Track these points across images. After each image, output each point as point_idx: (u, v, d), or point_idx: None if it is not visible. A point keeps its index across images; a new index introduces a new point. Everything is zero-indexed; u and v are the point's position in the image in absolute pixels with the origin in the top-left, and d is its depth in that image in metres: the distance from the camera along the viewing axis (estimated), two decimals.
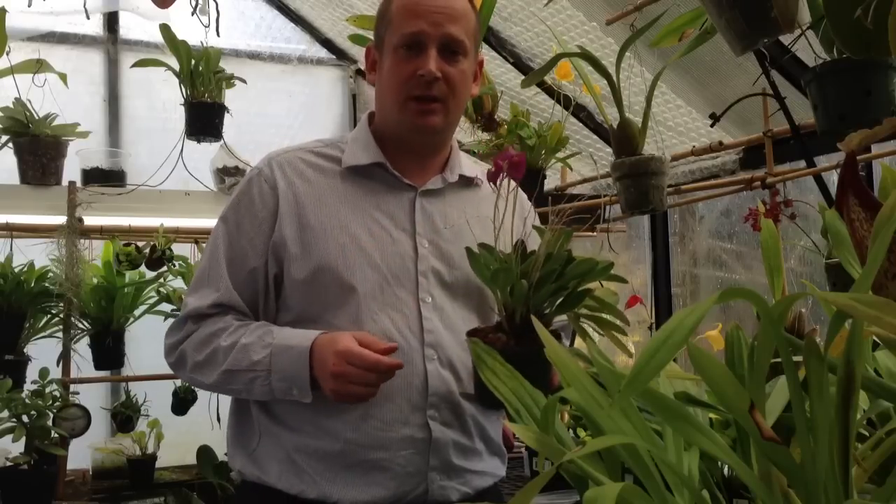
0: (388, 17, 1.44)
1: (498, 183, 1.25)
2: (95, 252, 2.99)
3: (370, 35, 2.65)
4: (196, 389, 3.11)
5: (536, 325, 0.94)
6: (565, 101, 2.71)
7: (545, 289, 1.20)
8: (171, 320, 3.02)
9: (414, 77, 1.39)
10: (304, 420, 1.40)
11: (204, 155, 3.16)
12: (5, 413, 2.55)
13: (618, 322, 1.31)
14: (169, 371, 3.22)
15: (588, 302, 1.27)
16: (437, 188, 1.50)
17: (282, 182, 1.45)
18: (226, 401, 3.03)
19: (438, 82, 1.40)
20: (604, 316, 1.29)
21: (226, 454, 3.06)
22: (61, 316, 2.89)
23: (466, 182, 1.53)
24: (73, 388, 2.83)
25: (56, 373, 2.81)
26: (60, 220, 2.87)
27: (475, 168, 1.57)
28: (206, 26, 2.76)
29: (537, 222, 1.61)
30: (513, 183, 1.59)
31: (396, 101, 1.43)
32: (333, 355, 1.29)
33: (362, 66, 4.20)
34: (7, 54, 2.83)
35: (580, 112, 3.12)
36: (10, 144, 2.93)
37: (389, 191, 1.47)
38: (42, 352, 2.89)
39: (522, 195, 1.60)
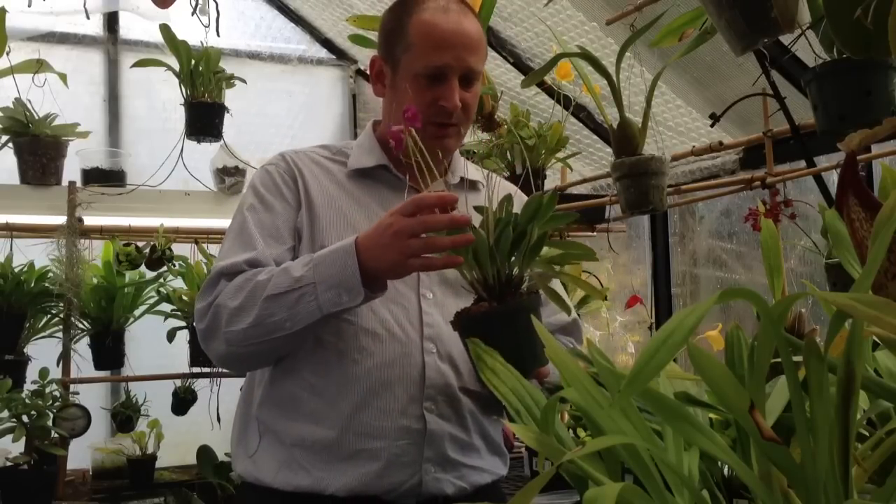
0: (407, 40, 1.44)
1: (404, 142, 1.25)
2: (95, 252, 3.00)
3: (370, 35, 2.66)
4: (196, 389, 3.11)
5: (536, 325, 0.94)
6: (565, 101, 2.71)
7: (503, 237, 1.20)
8: (171, 320, 3.06)
9: (434, 105, 1.42)
10: (304, 411, 1.41)
11: (204, 155, 3.16)
12: (5, 413, 2.55)
13: (584, 255, 1.30)
14: (169, 371, 3.20)
15: (553, 251, 1.27)
16: (439, 190, 1.51)
17: (297, 174, 1.49)
18: (226, 401, 3.06)
19: (457, 110, 1.43)
20: (570, 251, 1.29)
21: (226, 454, 3.08)
22: (61, 316, 2.89)
23: (467, 185, 1.56)
24: (73, 388, 2.83)
25: (56, 373, 2.81)
26: (60, 220, 2.87)
27: (476, 174, 1.62)
28: (206, 26, 2.77)
29: None
30: (503, 182, 1.62)
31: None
32: (388, 218, 1.25)
33: (362, 67, 4.20)
34: (7, 54, 2.83)
35: (580, 112, 3.12)
36: (10, 144, 2.94)
37: (393, 191, 1.51)
38: (42, 352, 2.89)
39: (505, 183, 1.63)
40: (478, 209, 1.29)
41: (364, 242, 1.28)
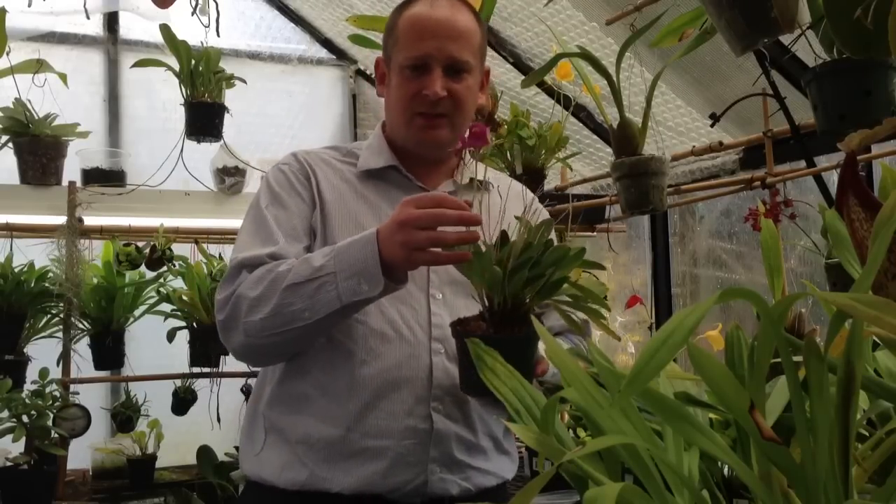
0: (395, 35, 1.47)
1: (462, 155, 1.26)
2: (95, 252, 2.99)
3: (370, 35, 2.66)
4: (196, 389, 3.11)
5: (537, 326, 0.94)
6: (565, 101, 2.71)
7: (519, 276, 1.19)
8: (171, 320, 3.06)
9: (419, 96, 1.43)
10: (312, 409, 1.41)
11: (204, 155, 3.16)
12: (5, 413, 2.55)
13: (600, 309, 1.29)
14: (169, 371, 3.20)
15: (571, 290, 1.26)
16: (449, 191, 1.53)
17: (311, 173, 1.49)
18: (226, 401, 3.06)
19: (443, 100, 1.43)
20: (587, 304, 1.28)
21: (226, 454, 3.08)
22: (61, 316, 2.89)
23: (479, 185, 1.54)
24: (73, 388, 2.83)
25: (56, 373, 2.81)
26: (60, 220, 2.87)
27: (488, 175, 1.60)
28: (206, 26, 2.76)
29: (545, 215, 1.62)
30: (514, 183, 1.61)
31: (403, 117, 1.47)
32: (399, 207, 1.26)
33: (362, 67, 4.20)
34: (7, 54, 2.83)
35: (580, 112, 3.12)
36: (10, 144, 2.94)
37: (403, 192, 1.50)
38: (42, 352, 2.89)
39: (521, 187, 1.63)
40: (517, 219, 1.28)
41: (382, 232, 1.28)
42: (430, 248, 1.23)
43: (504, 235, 1.24)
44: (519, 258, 1.20)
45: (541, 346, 1.40)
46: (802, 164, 2.23)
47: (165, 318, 3.08)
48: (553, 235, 1.26)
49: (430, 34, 1.43)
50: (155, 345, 3.12)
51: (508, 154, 2.78)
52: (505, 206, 1.32)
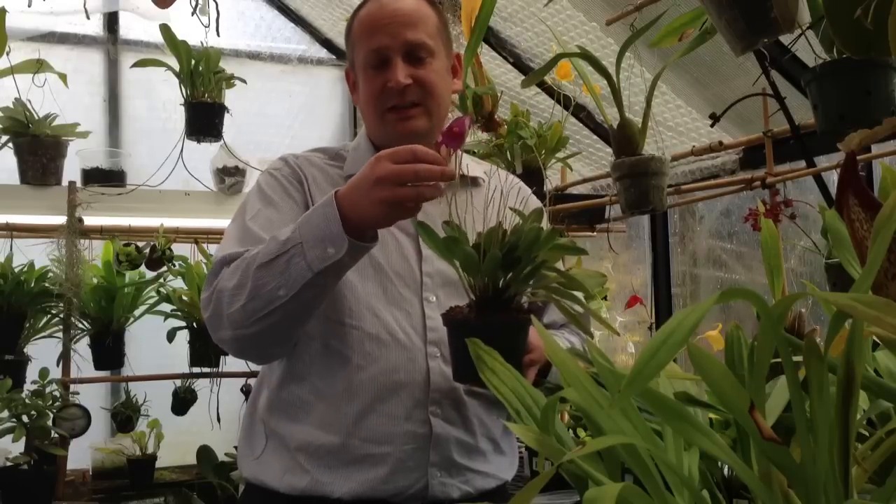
0: (353, 39, 1.48)
1: (445, 150, 1.22)
2: (95, 252, 3.00)
3: None
4: (196, 389, 3.11)
5: (536, 324, 0.94)
6: (565, 101, 2.71)
7: (490, 255, 1.18)
8: (171, 320, 3.06)
9: (385, 90, 1.42)
10: (309, 415, 1.41)
11: (204, 155, 3.16)
12: (5, 413, 2.55)
13: (583, 297, 1.28)
14: (169, 371, 3.21)
15: (556, 278, 1.26)
16: None
17: (302, 176, 1.49)
18: (226, 401, 3.06)
19: (411, 88, 1.41)
20: (571, 292, 1.27)
21: (226, 454, 3.08)
22: (61, 316, 2.89)
23: (468, 181, 1.53)
24: (73, 388, 2.83)
25: (56, 373, 2.82)
26: (60, 220, 2.88)
27: (477, 168, 1.59)
28: (206, 26, 2.76)
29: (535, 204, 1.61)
30: (511, 177, 1.61)
31: (375, 116, 1.46)
32: (373, 163, 1.20)
33: None
34: (7, 54, 2.83)
35: (580, 112, 3.12)
36: (10, 144, 2.94)
37: None
38: (42, 352, 2.89)
39: (517, 182, 1.61)
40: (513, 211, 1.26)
41: (346, 192, 1.24)
42: (407, 203, 1.20)
43: (499, 226, 1.23)
44: (501, 241, 1.19)
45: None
46: (802, 164, 2.23)
47: (165, 318, 3.08)
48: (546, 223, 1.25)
49: (380, 26, 1.42)
50: (155, 345, 3.12)
51: (508, 154, 2.78)
52: (496, 198, 1.31)
